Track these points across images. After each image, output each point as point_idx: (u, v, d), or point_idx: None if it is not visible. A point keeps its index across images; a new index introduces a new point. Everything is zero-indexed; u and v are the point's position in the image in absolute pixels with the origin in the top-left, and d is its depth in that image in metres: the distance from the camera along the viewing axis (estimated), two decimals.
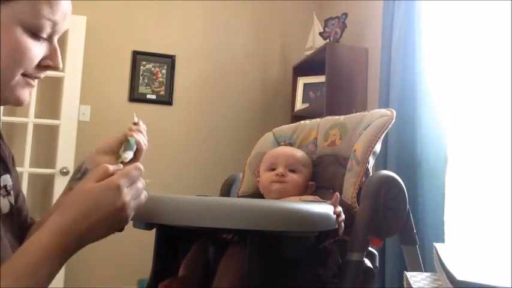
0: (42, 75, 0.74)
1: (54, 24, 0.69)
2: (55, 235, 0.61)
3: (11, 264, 0.59)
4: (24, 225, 0.86)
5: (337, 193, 1.00)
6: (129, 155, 0.84)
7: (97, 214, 0.63)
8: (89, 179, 0.67)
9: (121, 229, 0.73)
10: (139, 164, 0.69)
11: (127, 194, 0.66)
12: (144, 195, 0.70)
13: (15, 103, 0.72)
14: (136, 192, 0.68)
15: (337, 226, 0.92)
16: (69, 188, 0.89)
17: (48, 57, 0.72)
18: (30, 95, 0.75)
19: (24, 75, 0.70)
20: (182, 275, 1.03)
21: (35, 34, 0.68)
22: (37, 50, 0.69)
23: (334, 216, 0.91)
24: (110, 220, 0.65)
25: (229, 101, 3.20)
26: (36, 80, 0.74)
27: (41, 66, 0.71)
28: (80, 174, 0.90)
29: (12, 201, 0.81)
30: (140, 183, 0.69)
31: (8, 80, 0.68)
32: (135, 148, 0.87)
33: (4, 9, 0.65)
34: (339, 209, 0.96)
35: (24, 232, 0.85)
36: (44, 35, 0.69)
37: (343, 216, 0.96)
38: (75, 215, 0.63)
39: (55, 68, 0.73)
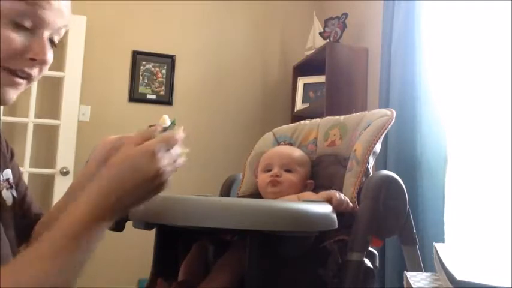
0: (33, 73, 0.69)
1: (36, 12, 0.65)
2: (92, 204, 0.61)
3: (49, 236, 0.58)
4: (27, 217, 0.86)
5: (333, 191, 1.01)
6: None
7: (133, 179, 0.62)
8: (129, 142, 0.65)
9: (122, 227, 0.72)
10: (178, 133, 0.69)
11: (163, 159, 0.64)
12: (180, 161, 0.68)
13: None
14: (171, 158, 0.66)
15: (337, 226, 0.92)
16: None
17: (31, 51, 0.67)
18: (16, 95, 0.70)
19: (10, 73, 0.66)
20: (182, 281, 1.03)
21: (15, 23, 0.64)
22: (17, 41, 0.65)
23: (334, 215, 0.91)
24: (146, 185, 0.64)
25: (229, 101, 3.20)
26: (24, 80, 0.69)
27: (25, 59, 0.67)
28: None
29: (15, 194, 0.82)
30: (177, 150, 0.67)
31: None
32: (173, 127, 0.83)
33: None
34: (338, 197, 0.98)
35: (29, 224, 0.85)
36: (26, 24, 0.65)
37: (345, 199, 0.99)
38: (112, 180, 0.62)
39: (41, 61, 0.68)
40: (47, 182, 2.78)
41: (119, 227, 0.94)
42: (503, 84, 1.66)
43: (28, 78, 0.69)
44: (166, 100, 3.08)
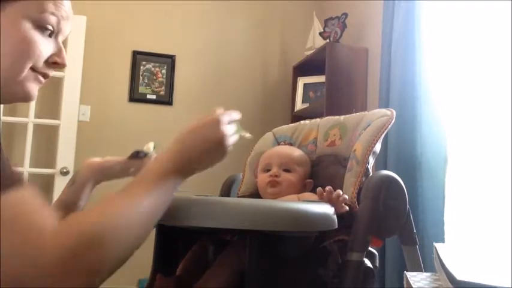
0: (50, 73, 0.75)
1: (59, 21, 0.72)
2: (170, 161, 0.73)
3: (134, 183, 0.68)
4: None
5: (329, 186, 1.00)
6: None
7: (203, 143, 0.76)
8: (196, 120, 0.79)
9: None
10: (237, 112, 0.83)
11: (226, 129, 0.78)
12: (235, 138, 0.81)
13: (24, 98, 0.73)
14: (231, 130, 0.79)
15: (337, 226, 0.92)
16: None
17: (55, 55, 0.74)
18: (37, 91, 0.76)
19: (33, 70, 0.72)
20: (179, 275, 1.03)
21: (43, 29, 0.70)
22: (45, 45, 0.71)
23: (335, 215, 0.91)
24: (213, 150, 0.77)
25: (229, 101, 3.20)
26: (44, 78, 0.75)
27: (49, 62, 0.73)
28: (71, 182, 1.01)
29: None
30: (234, 126, 0.81)
31: (18, 73, 0.69)
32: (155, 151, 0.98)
33: (12, 6, 0.67)
34: (336, 193, 0.97)
35: None
36: (49, 29, 0.71)
37: (344, 196, 0.98)
38: (186, 143, 0.75)
39: (62, 64, 0.75)
40: (47, 182, 2.77)
41: None
42: (503, 84, 1.66)
43: (46, 77, 0.75)
44: (166, 100, 3.08)
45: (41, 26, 0.70)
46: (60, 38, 0.75)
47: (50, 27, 0.71)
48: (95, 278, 0.59)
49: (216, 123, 0.77)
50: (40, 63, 0.71)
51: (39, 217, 0.57)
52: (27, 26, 0.68)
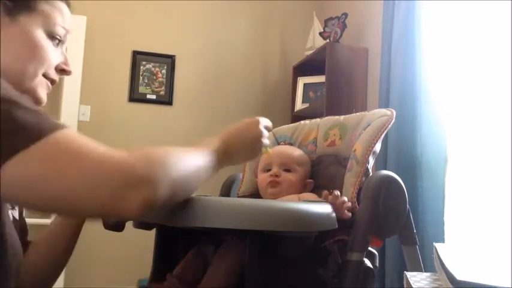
0: (57, 79, 0.81)
1: (66, 33, 0.80)
2: (216, 146, 0.81)
3: (189, 149, 0.75)
4: (23, 242, 0.88)
5: (337, 191, 1.00)
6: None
7: (244, 136, 0.89)
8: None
9: (122, 228, 0.78)
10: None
11: (263, 129, 0.91)
12: (266, 141, 0.93)
13: (35, 103, 0.76)
14: (266, 133, 0.93)
15: (337, 226, 0.92)
16: None
17: (62, 63, 0.81)
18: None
19: (44, 77, 0.77)
20: (177, 274, 1.02)
21: (53, 39, 0.77)
22: (55, 53, 0.78)
23: (334, 215, 0.91)
24: (251, 144, 0.89)
25: (229, 101, 3.20)
26: (51, 85, 0.80)
27: (57, 69, 0.80)
28: None
29: (17, 216, 0.83)
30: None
31: (32, 77, 0.74)
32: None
33: (29, 16, 0.74)
34: (342, 199, 0.97)
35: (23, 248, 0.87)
36: (60, 39, 0.79)
37: (348, 204, 0.98)
38: (230, 135, 0.87)
39: (69, 72, 0.82)
40: None
41: (118, 227, 0.94)
42: (503, 84, 1.66)
43: (53, 83, 0.81)
44: (166, 100, 3.08)
45: (52, 36, 0.77)
46: (64, 48, 0.82)
47: (58, 37, 0.78)
48: (154, 203, 0.60)
49: (256, 123, 0.91)
50: (51, 70, 0.77)
51: (102, 147, 0.59)
52: (42, 35, 0.75)
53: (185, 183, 0.69)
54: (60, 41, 0.79)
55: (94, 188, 0.55)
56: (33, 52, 0.74)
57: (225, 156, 0.82)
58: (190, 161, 0.71)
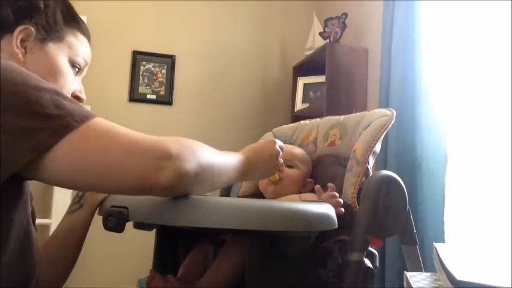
0: None
1: (85, 64, 0.89)
2: (239, 162, 0.86)
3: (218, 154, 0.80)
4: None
5: (331, 184, 1.02)
6: None
7: (263, 154, 0.96)
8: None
9: (122, 228, 0.83)
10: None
11: (278, 149, 0.98)
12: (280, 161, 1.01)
13: None
14: (281, 153, 0.99)
15: (337, 226, 0.92)
16: (68, 213, 0.99)
17: (77, 91, 0.90)
18: None
19: None
20: (181, 276, 1.03)
21: (74, 67, 0.87)
22: (73, 80, 0.87)
23: (334, 215, 0.91)
24: (270, 162, 0.97)
25: (229, 101, 3.20)
26: None
27: (73, 95, 0.88)
28: (78, 205, 0.99)
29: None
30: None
31: None
32: None
33: (56, 44, 0.83)
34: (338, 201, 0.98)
35: None
36: (80, 69, 0.88)
37: (339, 200, 1.01)
38: (251, 153, 0.93)
39: (82, 100, 0.91)
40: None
41: (119, 227, 0.94)
42: (503, 85, 1.66)
43: None
44: (166, 100, 3.08)
45: (73, 65, 0.86)
46: (81, 78, 0.91)
47: (78, 66, 0.87)
48: (183, 177, 0.67)
49: (273, 143, 0.99)
50: (68, 95, 0.80)
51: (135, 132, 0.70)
52: (65, 62, 0.85)
53: (211, 172, 0.75)
54: (79, 70, 0.88)
55: (133, 161, 0.65)
56: (56, 75, 0.82)
57: (249, 169, 0.88)
58: (216, 156, 0.78)
